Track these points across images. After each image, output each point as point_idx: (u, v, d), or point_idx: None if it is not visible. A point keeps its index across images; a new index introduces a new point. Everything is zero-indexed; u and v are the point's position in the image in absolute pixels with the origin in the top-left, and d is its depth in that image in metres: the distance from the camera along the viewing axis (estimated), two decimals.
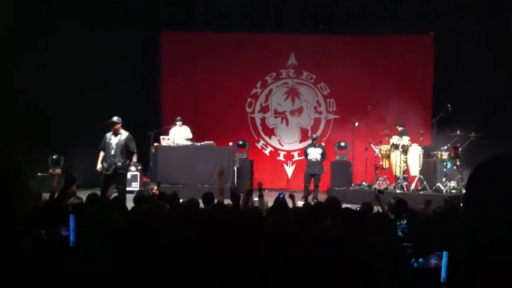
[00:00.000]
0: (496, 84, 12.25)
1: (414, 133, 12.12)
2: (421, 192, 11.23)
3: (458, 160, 11.39)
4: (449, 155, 11.41)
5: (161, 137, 12.74)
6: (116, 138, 9.00)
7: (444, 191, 10.99)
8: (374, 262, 3.24)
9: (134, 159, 9.29)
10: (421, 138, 12.03)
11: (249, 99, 15.31)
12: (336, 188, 12.50)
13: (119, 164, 8.95)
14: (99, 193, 7.64)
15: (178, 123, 12.85)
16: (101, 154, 9.12)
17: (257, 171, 14.57)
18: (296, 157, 15.02)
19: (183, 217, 4.29)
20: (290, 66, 15.28)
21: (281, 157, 15.30)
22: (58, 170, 11.94)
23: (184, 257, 3.04)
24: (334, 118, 15.12)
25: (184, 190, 10.30)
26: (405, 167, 11.78)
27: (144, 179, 13.10)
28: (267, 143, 15.34)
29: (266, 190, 13.52)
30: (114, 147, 8.94)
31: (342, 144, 13.88)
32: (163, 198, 6.65)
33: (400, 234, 3.99)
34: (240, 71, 14.89)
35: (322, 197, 10.89)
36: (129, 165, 9.34)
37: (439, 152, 11.58)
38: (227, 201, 6.21)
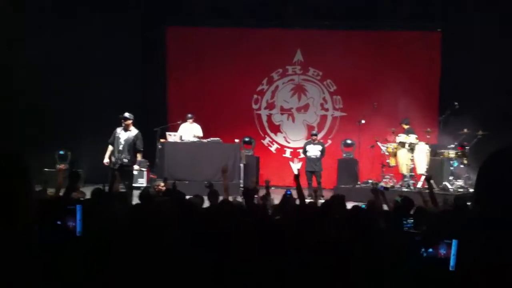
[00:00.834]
0: (504, 82, 12.18)
1: (421, 131, 12.08)
2: (427, 191, 11.16)
3: (465, 158, 11.35)
4: (456, 153, 11.37)
5: (167, 133, 12.74)
6: (126, 134, 9.06)
7: (451, 189, 10.95)
8: (381, 258, 3.23)
9: (139, 157, 9.28)
10: (428, 136, 11.98)
11: (255, 96, 15.28)
12: (342, 186, 12.47)
13: (125, 160, 9.00)
14: (103, 188, 7.64)
15: (189, 120, 12.84)
16: (110, 148, 9.16)
17: (263, 168, 14.54)
18: (302, 155, 14.99)
19: (187, 215, 4.28)
20: (296, 63, 15.23)
21: (287, 154, 15.27)
22: (63, 166, 11.95)
23: (186, 255, 3.04)
24: (341, 115, 15.07)
25: (190, 187, 10.30)
26: (412, 165, 11.74)
27: (151, 175, 13.12)
28: (273, 140, 15.32)
29: (273, 187, 13.52)
30: (123, 143, 9.00)
31: (349, 141, 13.83)
32: (169, 194, 6.65)
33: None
34: (246, 68, 14.85)
35: (328, 194, 10.86)
36: (134, 162, 9.35)
37: (446, 151, 11.54)
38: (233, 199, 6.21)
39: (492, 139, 10.88)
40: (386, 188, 7.34)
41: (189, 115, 12.89)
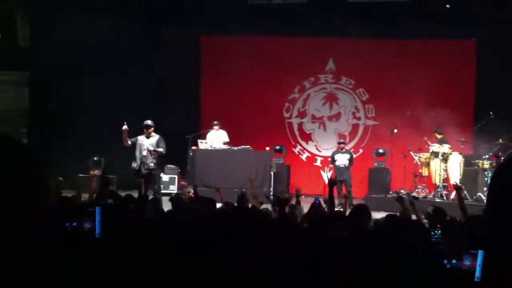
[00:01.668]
0: None
1: (455, 141, 11.88)
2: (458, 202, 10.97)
3: None
4: (490, 164, 11.14)
5: (199, 140, 12.86)
6: (148, 141, 9.30)
7: (485, 201, 10.73)
8: (404, 269, 3.19)
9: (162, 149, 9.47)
10: (462, 146, 11.78)
11: (286, 104, 15.30)
12: (374, 196, 12.37)
13: (152, 165, 9.22)
14: (135, 195, 7.76)
15: (215, 127, 12.95)
16: (128, 141, 9.29)
17: (293, 176, 14.53)
18: (331, 164, 14.93)
19: (214, 221, 4.32)
20: (328, 71, 15.20)
21: (318, 163, 15.21)
22: (96, 171, 12.21)
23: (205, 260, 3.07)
24: (373, 124, 14.95)
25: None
26: (445, 176, 11.56)
27: (182, 182, 13.25)
28: (304, 149, 15.29)
29: (303, 196, 13.46)
30: (146, 148, 9.20)
31: (381, 150, 13.70)
32: (197, 201, 6.71)
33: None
34: (278, 76, 14.87)
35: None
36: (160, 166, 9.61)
37: (480, 161, 11.32)
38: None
39: None
40: (415, 198, 7.23)
41: (215, 122, 12.99)
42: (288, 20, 13.91)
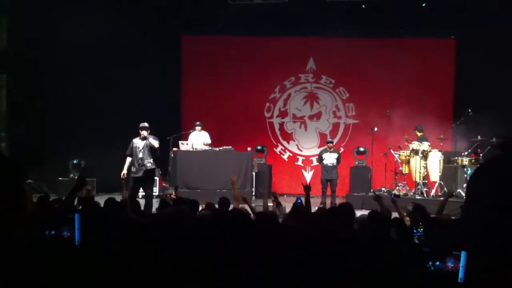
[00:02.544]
0: None
1: (434, 138, 11.99)
2: (442, 199, 11.08)
3: (478, 165, 11.23)
4: (470, 160, 11.26)
5: (180, 142, 12.80)
6: (142, 142, 9.26)
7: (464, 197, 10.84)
8: (390, 266, 3.21)
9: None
10: (441, 144, 11.89)
11: (267, 104, 15.31)
12: (355, 194, 12.43)
13: (149, 165, 9.24)
14: (117, 198, 7.69)
15: (198, 128, 12.90)
16: (128, 160, 9.33)
17: (275, 176, 14.56)
18: (314, 163, 14.96)
19: (199, 222, 4.30)
20: (309, 71, 15.25)
21: (299, 162, 15.26)
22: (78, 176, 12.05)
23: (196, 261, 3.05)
24: (353, 123, 15.04)
25: (203, 195, 10.32)
26: (425, 173, 11.66)
27: (164, 183, 13.17)
28: (286, 148, 15.32)
29: (285, 195, 13.52)
30: (142, 150, 9.20)
31: (361, 149, 13.78)
32: (180, 202, 6.66)
33: (416, 241, 3.94)
34: (259, 76, 14.88)
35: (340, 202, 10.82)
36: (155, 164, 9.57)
37: (459, 158, 11.44)
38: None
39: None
40: (397, 196, 7.26)
41: (198, 123, 12.94)
42: (268, 20, 13.90)
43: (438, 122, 12.99)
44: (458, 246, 2.75)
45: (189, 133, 13.06)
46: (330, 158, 12.05)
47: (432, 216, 5.73)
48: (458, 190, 11.17)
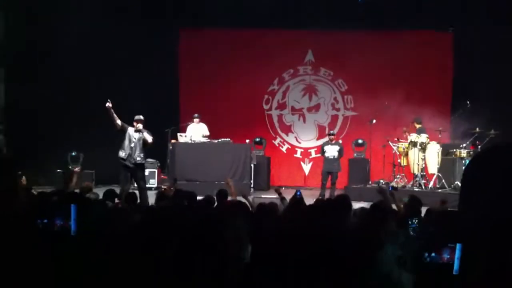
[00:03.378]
0: None
1: (433, 130, 11.99)
2: (440, 190, 11.13)
3: None
4: (468, 152, 11.28)
5: (179, 134, 12.79)
6: (137, 134, 9.28)
7: None
8: (386, 260, 3.23)
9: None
10: (440, 136, 11.90)
11: (266, 96, 15.30)
12: (354, 186, 12.46)
13: (139, 159, 9.25)
14: (116, 189, 7.72)
15: (196, 120, 12.89)
16: (119, 121, 9.25)
17: (274, 168, 14.58)
18: (313, 155, 14.98)
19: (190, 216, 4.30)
20: (307, 63, 15.23)
21: (298, 155, 15.27)
22: (77, 168, 12.06)
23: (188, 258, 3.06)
24: (352, 115, 15.04)
25: (201, 187, 10.33)
26: (423, 165, 11.68)
27: (162, 176, 13.19)
28: (284, 140, 15.32)
29: (283, 187, 13.53)
30: (135, 141, 9.20)
31: (360, 141, 13.79)
32: (178, 195, 6.67)
33: (411, 233, 3.96)
34: (258, 68, 14.82)
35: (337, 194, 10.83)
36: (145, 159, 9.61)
37: (458, 150, 11.45)
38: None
39: (504, 138, 10.80)
40: (395, 188, 7.27)
41: (196, 115, 12.93)
42: (267, 12, 13.85)
43: (436, 114, 12.97)
44: (454, 238, 2.76)
45: (187, 125, 13.06)
46: (331, 151, 11.99)
47: (428, 208, 5.76)
48: (456, 182, 11.20)
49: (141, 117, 9.43)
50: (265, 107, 15.32)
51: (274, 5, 13.67)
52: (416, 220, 3.86)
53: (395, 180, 11.95)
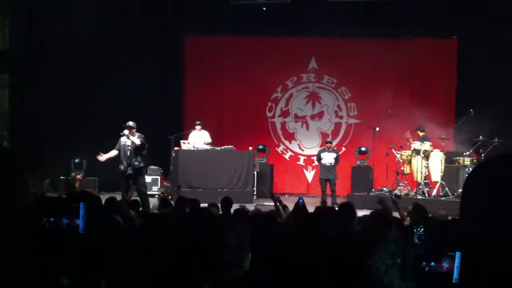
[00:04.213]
0: None
1: (436, 138, 11.98)
2: (443, 198, 11.10)
3: None
4: (471, 160, 11.26)
5: (182, 141, 12.80)
6: (128, 141, 9.43)
7: None
8: (384, 266, 3.20)
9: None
10: (443, 144, 11.88)
11: (269, 104, 15.32)
12: (357, 194, 12.43)
13: (136, 163, 9.36)
14: (118, 197, 7.73)
15: (197, 127, 12.89)
16: (114, 151, 9.50)
17: (277, 175, 14.57)
18: (316, 162, 14.96)
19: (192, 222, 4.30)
20: (311, 70, 15.24)
21: (301, 162, 15.26)
22: (79, 176, 12.14)
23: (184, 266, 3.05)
24: (355, 123, 15.03)
25: (204, 194, 10.34)
26: (427, 173, 11.65)
27: (165, 183, 13.19)
28: (287, 148, 15.32)
29: (286, 195, 13.53)
30: (130, 148, 9.35)
31: (363, 149, 13.78)
32: (182, 202, 6.68)
33: (416, 241, 3.93)
34: (261, 75, 14.83)
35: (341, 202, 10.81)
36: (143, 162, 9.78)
37: (461, 158, 11.43)
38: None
39: (508, 147, 10.77)
40: (398, 196, 7.27)
41: (197, 122, 12.92)
42: (271, 20, 13.89)
43: (440, 122, 12.97)
44: (454, 247, 2.74)
45: (190, 132, 13.06)
46: (328, 158, 12.08)
47: (430, 216, 5.75)
48: (459, 190, 11.15)
49: (129, 123, 9.61)
50: (269, 114, 15.33)
51: (278, 12, 13.70)
52: (422, 229, 3.84)
53: (398, 188, 11.92)
